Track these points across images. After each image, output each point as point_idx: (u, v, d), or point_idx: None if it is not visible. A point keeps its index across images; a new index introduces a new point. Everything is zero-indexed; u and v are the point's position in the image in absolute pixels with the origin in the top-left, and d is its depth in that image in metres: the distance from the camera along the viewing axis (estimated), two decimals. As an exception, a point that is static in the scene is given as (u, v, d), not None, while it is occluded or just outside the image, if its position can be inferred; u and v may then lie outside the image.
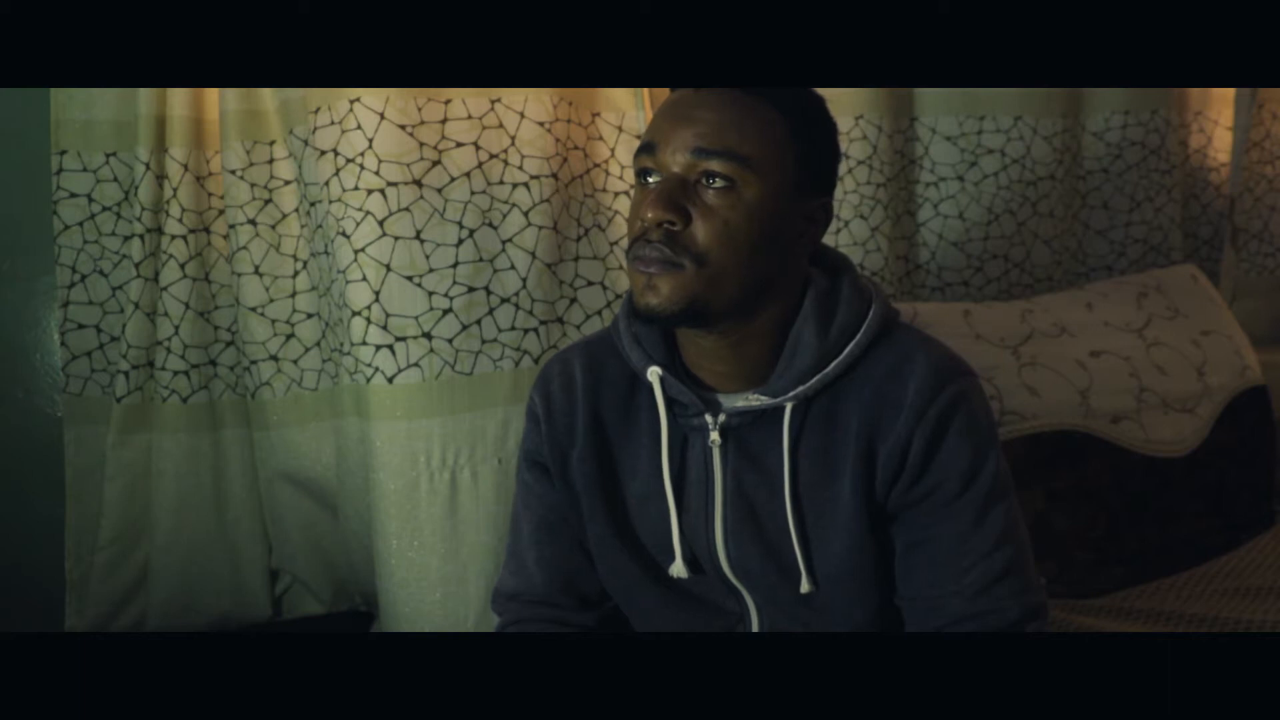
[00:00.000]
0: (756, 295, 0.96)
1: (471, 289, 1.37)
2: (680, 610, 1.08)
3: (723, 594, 1.06)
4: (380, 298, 1.33)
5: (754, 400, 0.99)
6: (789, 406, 0.98)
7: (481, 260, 1.38)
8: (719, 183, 0.93)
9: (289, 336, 1.56)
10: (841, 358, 0.98)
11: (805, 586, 1.01)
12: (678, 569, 1.04)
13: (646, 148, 0.96)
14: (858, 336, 0.99)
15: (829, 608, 1.03)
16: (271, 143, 1.53)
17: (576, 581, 1.10)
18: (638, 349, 1.02)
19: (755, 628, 1.07)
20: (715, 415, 1.00)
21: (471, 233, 1.37)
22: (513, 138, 1.39)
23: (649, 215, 0.92)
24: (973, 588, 0.98)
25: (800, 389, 0.98)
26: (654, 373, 1.01)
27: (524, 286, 1.40)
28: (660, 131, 0.95)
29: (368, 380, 1.35)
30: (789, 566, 1.01)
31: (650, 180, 0.96)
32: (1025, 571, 1.00)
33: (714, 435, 1.01)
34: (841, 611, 1.03)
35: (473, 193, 1.37)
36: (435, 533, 1.36)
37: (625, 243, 1.22)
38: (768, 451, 1.00)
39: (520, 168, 1.40)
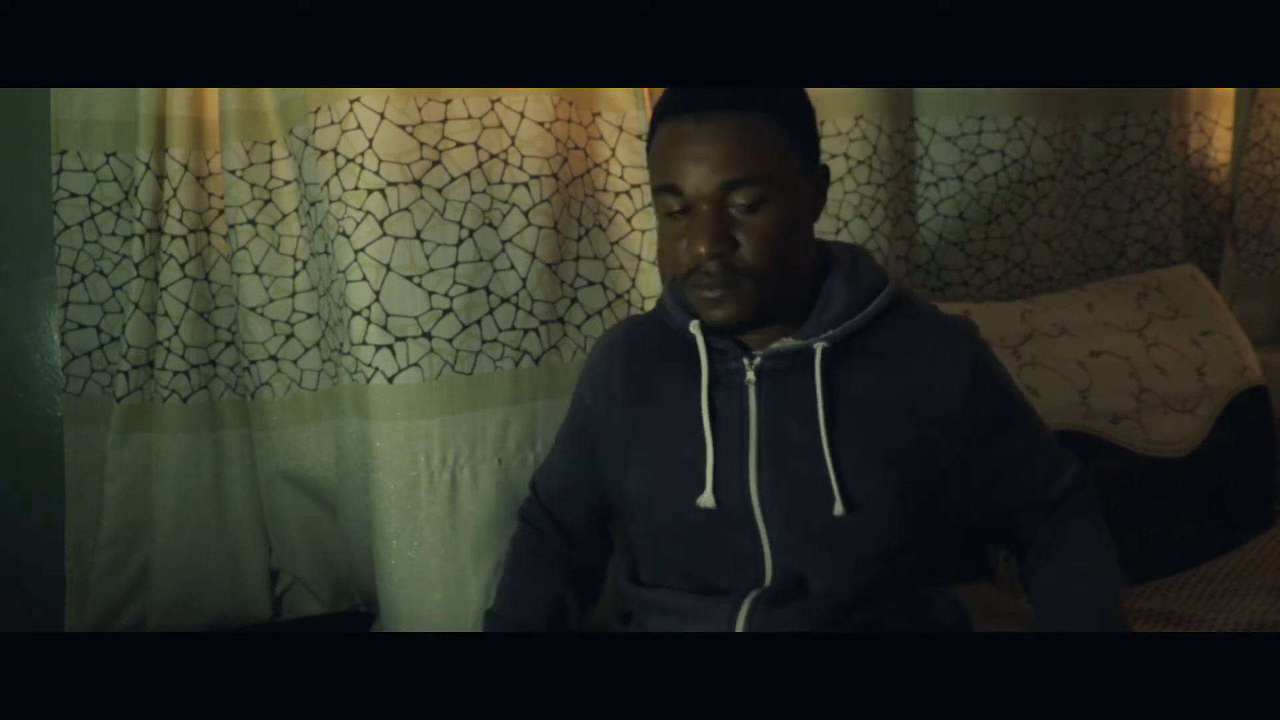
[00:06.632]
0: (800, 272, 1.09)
1: (471, 289, 1.37)
2: (696, 549, 1.12)
3: (742, 535, 1.09)
4: (380, 298, 1.33)
5: (788, 343, 1.07)
6: (819, 348, 1.06)
7: (481, 260, 1.38)
8: (752, 204, 1.01)
9: (289, 336, 1.56)
10: (869, 309, 1.09)
11: (839, 509, 1.04)
12: (706, 499, 1.08)
13: (669, 189, 1.03)
14: (884, 291, 1.10)
15: (846, 545, 1.07)
16: (271, 143, 1.53)
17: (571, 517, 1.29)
18: (680, 310, 1.13)
19: (768, 571, 1.09)
20: (751, 359, 1.09)
21: (471, 233, 1.37)
22: (513, 138, 1.39)
23: (701, 251, 1.01)
24: (1034, 494, 1.16)
25: (831, 331, 1.08)
26: (695, 325, 1.11)
27: (524, 286, 1.40)
28: (677, 173, 1.02)
29: (368, 380, 1.35)
30: (820, 494, 1.05)
31: (680, 216, 1.04)
32: (1056, 454, 1.18)
33: (750, 375, 1.09)
34: (854, 550, 1.07)
35: (473, 193, 1.37)
36: (435, 533, 1.36)
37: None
38: (801, 390, 1.08)
39: (520, 168, 1.40)
